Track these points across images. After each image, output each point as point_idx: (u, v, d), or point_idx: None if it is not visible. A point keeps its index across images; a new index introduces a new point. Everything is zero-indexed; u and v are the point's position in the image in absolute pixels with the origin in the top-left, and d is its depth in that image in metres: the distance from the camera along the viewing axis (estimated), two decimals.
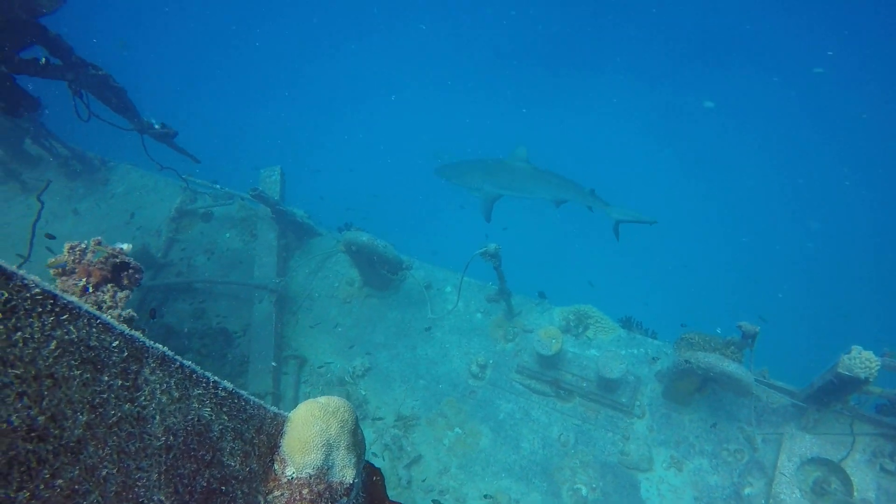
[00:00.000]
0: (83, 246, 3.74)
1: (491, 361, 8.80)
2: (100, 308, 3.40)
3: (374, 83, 30.33)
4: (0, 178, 11.24)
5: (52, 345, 1.03)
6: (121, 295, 3.47)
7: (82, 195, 11.34)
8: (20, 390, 0.98)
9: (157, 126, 7.62)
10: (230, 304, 9.62)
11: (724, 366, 7.05)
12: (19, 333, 0.99)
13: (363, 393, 8.71)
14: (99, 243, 3.78)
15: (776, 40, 29.19)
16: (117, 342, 1.16)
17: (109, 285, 3.55)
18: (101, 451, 1.10)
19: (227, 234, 10.47)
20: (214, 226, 10.60)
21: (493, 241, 7.64)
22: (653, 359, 8.49)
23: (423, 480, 7.88)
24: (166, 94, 26.58)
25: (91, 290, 3.53)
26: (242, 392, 1.56)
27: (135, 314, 3.51)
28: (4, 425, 0.95)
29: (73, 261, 3.64)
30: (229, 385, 1.52)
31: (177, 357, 1.32)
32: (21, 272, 1.01)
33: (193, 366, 1.39)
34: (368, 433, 8.36)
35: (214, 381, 1.47)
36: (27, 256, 5.75)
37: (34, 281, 1.04)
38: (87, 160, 11.48)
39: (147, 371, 1.22)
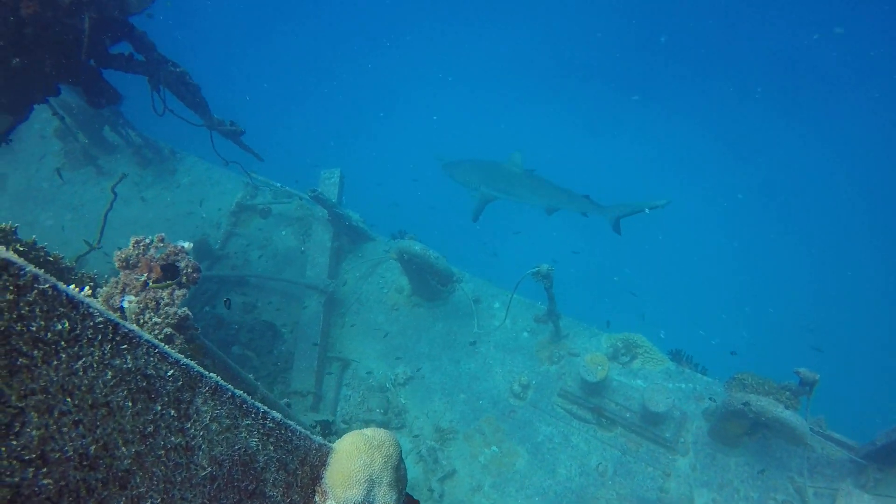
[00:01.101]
0: (147, 241, 3.85)
1: (534, 382, 8.67)
2: (157, 304, 3.48)
3: (438, 93, 30.45)
4: (79, 162, 11.79)
5: (109, 374, 1.03)
6: (178, 293, 3.55)
7: (150, 183, 11.78)
8: (76, 419, 0.98)
9: (227, 124, 7.84)
10: (280, 301, 9.79)
11: (777, 412, 6.74)
12: (80, 362, 0.99)
13: (403, 401, 8.71)
14: (162, 240, 3.88)
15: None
16: (173, 371, 1.16)
17: (169, 282, 3.64)
18: (148, 482, 1.10)
19: (283, 232, 10.67)
20: (272, 222, 10.84)
21: (546, 263, 7.53)
22: (709, 399, 8.16)
23: (455, 496, 7.81)
24: (237, 94, 27.37)
25: (151, 285, 3.62)
26: (290, 422, 1.55)
27: (190, 313, 3.58)
28: (59, 454, 0.96)
29: (137, 255, 3.75)
30: (278, 415, 1.51)
31: (229, 387, 1.32)
32: (88, 299, 1.02)
33: (244, 395, 1.38)
34: (405, 441, 8.35)
35: (264, 412, 1.46)
36: (97, 243, 5.99)
37: (98, 309, 1.04)
38: (158, 150, 11.92)
39: (199, 401, 1.21)
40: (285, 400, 5.24)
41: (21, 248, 4.10)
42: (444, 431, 8.35)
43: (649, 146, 27.13)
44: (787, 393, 7.26)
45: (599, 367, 7.98)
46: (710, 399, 8.11)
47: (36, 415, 0.91)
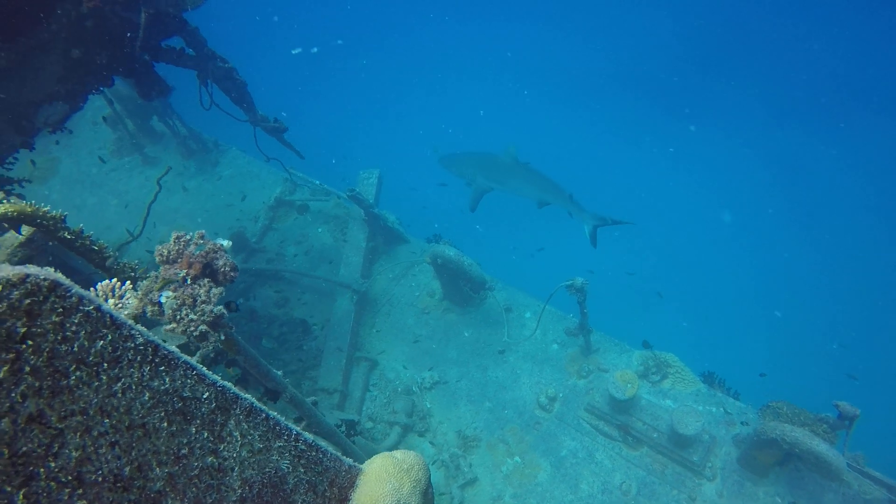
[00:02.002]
0: (188, 237, 3.90)
1: (561, 395, 8.57)
2: (195, 301, 3.53)
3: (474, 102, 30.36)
4: (126, 150, 12.10)
5: (147, 395, 1.03)
6: (215, 291, 3.59)
7: (193, 173, 12.01)
8: (113, 440, 0.98)
9: (270, 120, 7.94)
10: (313, 297, 9.88)
11: (812, 444, 6.51)
12: (120, 383, 0.99)
13: (428, 406, 8.70)
14: (202, 237, 3.93)
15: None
16: (208, 393, 1.15)
17: (206, 280, 3.68)
18: (179, 503, 1.09)
19: (320, 229, 10.77)
20: (309, 219, 10.95)
21: (580, 276, 7.44)
22: (741, 423, 7.95)
23: None
24: (283, 91, 27.72)
25: (189, 281, 3.67)
26: (322, 443, 1.54)
27: (225, 311, 3.62)
28: (94, 475, 0.96)
29: (177, 251, 3.80)
30: (310, 437, 1.50)
31: (263, 408, 1.31)
32: (129, 321, 1.02)
33: (278, 417, 1.37)
34: (428, 447, 8.34)
35: (297, 434, 1.45)
36: (139, 233, 6.14)
37: (140, 330, 1.04)
38: (202, 141, 12.16)
39: (233, 423, 1.21)
40: (312, 398, 5.27)
41: (69, 237, 4.20)
42: (468, 439, 8.31)
43: (687, 160, 26.67)
44: (825, 426, 7.02)
45: (629, 385, 7.84)
46: (742, 423, 7.91)
47: (75, 436, 0.91)
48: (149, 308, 3.67)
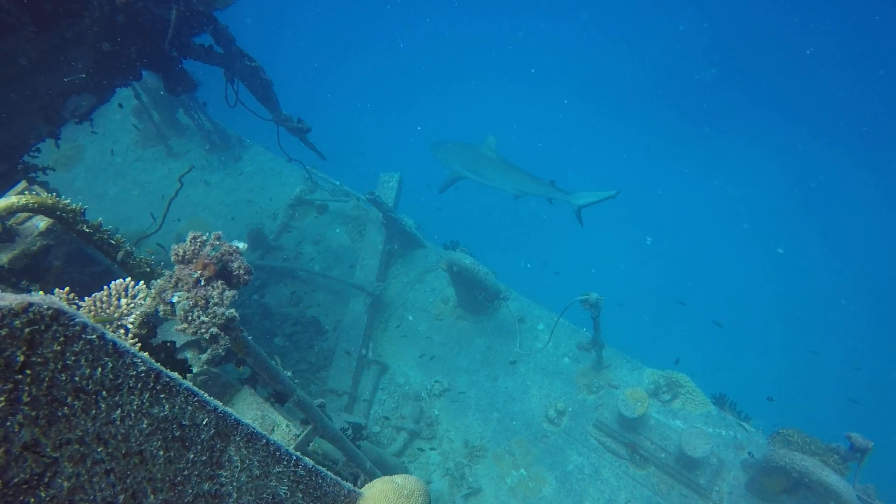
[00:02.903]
0: (204, 238, 3.91)
1: (570, 409, 8.50)
2: (207, 303, 3.54)
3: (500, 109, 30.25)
4: (151, 141, 12.24)
5: (146, 423, 1.02)
6: (228, 294, 3.59)
7: (215, 168, 12.11)
8: (108, 468, 0.97)
9: (294, 120, 7.98)
10: (326, 298, 9.90)
11: (822, 475, 6.38)
12: (119, 411, 0.98)
13: (436, 413, 8.67)
14: (219, 238, 3.94)
15: None
16: (208, 419, 1.14)
17: (220, 282, 3.69)
18: None
19: (338, 230, 10.80)
20: (327, 219, 10.98)
21: (595, 292, 7.37)
22: (749, 454, 7.83)
23: None
24: (309, 92, 27.83)
25: (203, 283, 3.68)
26: (322, 469, 1.52)
27: (237, 314, 3.62)
28: None
29: (194, 251, 3.82)
30: (310, 462, 1.48)
31: (264, 434, 1.30)
32: (132, 349, 1.01)
33: (278, 442, 1.36)
34: (434, 454, 8.32)
35: (296, 459, 1.44)
36: (158, 227, 6.20)
37: (142, 358, 1.03)
38: (226, 136, 12.26)
39: (233, 449, 1.20)
40: (320, 401, 5.27)
41: (87, 230, 4.24)
42: (474, 448, 8.28)
43: (721, 179, 26.39)
44: (836, 456, 6.89)
45: (639, 404, 7.76)
46: (749, 454, 7.78)
47: (69, 465, 0.91)
48: (161, 308, 3.69)
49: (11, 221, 4.81)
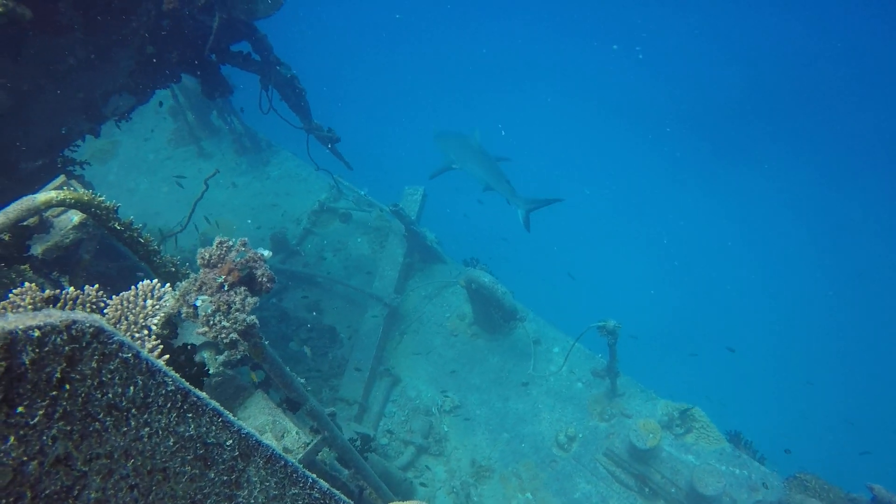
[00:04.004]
0: (230, 243, 3.98)
1: (580, 436, 8.43)
2: (229, 308, 3.60)
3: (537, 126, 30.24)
4: (184, 140, 12.48)
5: (172, 440, 1.06)
6: (250, 300, 3.65)
7: (244, 170, 12.30)
8: (133, 483, 1.01)
9: (324, 130, 8.10)
10: (344, 306, 9.97)
11: None
12: (147, 428, 1.02)
13: (446, 429, 8.65)
14: (245, 244, 4.01)
15: None
16: (232, 441, 1.17)
17: (243, 288, 3.75)
18: None
19: (359, 239, 10.88)
20: (350, 228, 11.07)
21: (613, 319, 7.33)
22: (763, 484, 7.68)
23: None
24: (339, 101, 28.06)
25: (227, 288, 3.74)
26: (336, 492, 1.54)
27: (257, 321, 3.67)
28: None
29: (219, 256, 3.89)
30: (325, 485, 1.51)
31: (282, 455, 1.32)
32: (163, 367, 1.05)
33: (296, 464, 1.39)
34: (440, 471, 8.29)
35: (312, 482, 1.46)
36: (183, 227, 6.33)
37: (172, 377, 1.07)
38: (256, 140, 12.46)
39: (252, 470, 1.23)
40: (331, 409, 5.29)
41: (118, 227, 4.34)
42: (482, 468, 8.24)
43: (733, 209, 26.17)
44: None
45: (651, 435, 7.67)
46: (763, 484, 7.63)
47: (97, 479, 0.94)
48: (184, 310, 3.75)
49: (48, 213, 4.96)
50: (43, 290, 3.47)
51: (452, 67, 33.53)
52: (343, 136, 8.33)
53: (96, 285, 3.59)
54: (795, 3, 31.24)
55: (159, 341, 3.59)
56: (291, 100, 7.87)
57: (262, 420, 4.95)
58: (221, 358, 4.33)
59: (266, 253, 4.07)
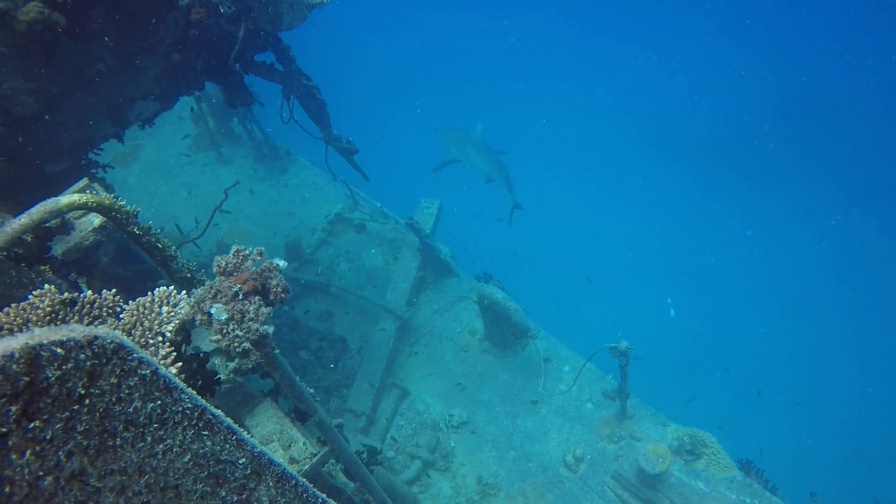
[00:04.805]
0: (247, 252, 4.01)
1: (588, 457, 8.34)
2: (243, 317, 3.61)
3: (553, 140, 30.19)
4: (204, 146, 12.63)
5: (187, 457, 1.06)
6: (264, 310, 3.66)
7: (261, 178, 12.41)
8: (146, 499, 1.01)
9: (343, 141, 8.16)
10: (355, 316, 9.97)
11: None
12: (162, 445, 1.02)
13: (453, 445, 8.60)
14: (261, 253, 4.03)
15: None
16: (245, 459, 1.17)
17: (257, 298, 3.76)
18: None
19: (373, 250, 10.91)
20: (364, 239, 11.11)
21: (625, 340, 7.27)
22: None
23: None
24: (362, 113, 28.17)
25: (241, 297, 3.76)
26: None
27: (270, 331, 3.68)
28: None
29: (235, 264, 3.92)
30: None
31: (294, 475, 1.32)
32: (181, 384, 1.05)
33: (306, 483, 1.38)
34: (446, 487, 8.23)
35: (323, 501, 1.46)
36: (202, 233, 6.38)
37: (189, 394, 1.07)
38: (275, 148, 12.57)
39: (263, 489, 1.23)
40: (338, 421, 5.28)
41: (137, 232, 4.39)
42: (487, 486, 8.17)
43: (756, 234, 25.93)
44: None
45: (660, 460, 7.56)
46: None
47: (110, 495, 0.94)
48: (199, 317, 3.77)
49: (69, 215, 5.03)
50: (61, 292, 3.52)
51: (475, 77, 33.51)
52: (360, 147, 8.40)
53: (114, 290, 3.63)
54: (822, 27, 31.11)
55: (173, 348, 3.61)
56: (312, 110, 7.95)
57: (270, 429, 4.95)
58: (232, 365, 4.35)
59: (281, 263, 4.09)
